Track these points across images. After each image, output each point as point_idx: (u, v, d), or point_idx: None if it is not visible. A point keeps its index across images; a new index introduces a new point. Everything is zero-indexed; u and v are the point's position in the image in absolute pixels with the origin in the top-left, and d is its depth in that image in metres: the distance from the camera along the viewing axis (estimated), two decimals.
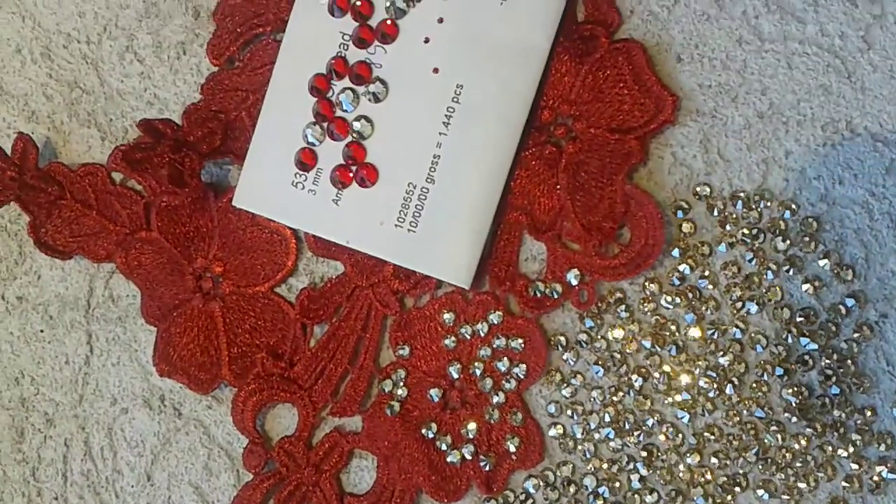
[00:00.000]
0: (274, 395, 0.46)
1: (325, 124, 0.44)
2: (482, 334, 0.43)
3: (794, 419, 0.40)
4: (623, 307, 0.41)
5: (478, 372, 0.43)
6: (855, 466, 0.40)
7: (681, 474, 0.40)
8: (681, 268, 0.40)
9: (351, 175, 0.44)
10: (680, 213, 0.41)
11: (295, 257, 0.47)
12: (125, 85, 0.51)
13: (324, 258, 0.47)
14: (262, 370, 0.46)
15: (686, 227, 0.41)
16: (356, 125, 0.44)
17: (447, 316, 0.44)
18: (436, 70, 0.42)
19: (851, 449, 0.39)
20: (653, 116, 0.41)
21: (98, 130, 0.51)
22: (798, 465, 0.40)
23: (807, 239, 0.40)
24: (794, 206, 0.40)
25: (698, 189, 0.41)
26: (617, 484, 0.41)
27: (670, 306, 0.41)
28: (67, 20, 0.52)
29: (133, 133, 0.51)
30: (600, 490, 0.41)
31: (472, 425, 0.43)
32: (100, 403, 0.50)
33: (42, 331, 0.52)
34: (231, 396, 0.48)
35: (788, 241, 0.40)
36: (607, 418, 0.41)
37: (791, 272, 0.40)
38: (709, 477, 0.40)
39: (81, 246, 0.50)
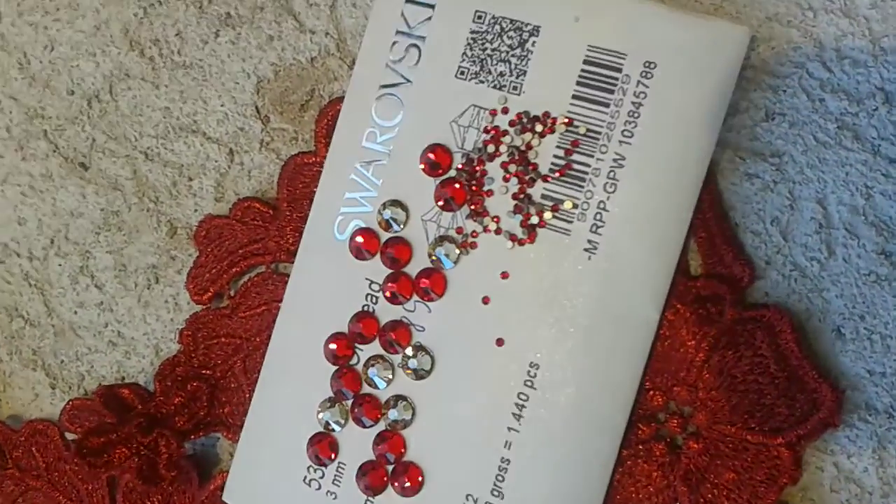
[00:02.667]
0: None
1: (347, 403, 0.34)
2: None
3: None
4: None
5: None
6: None
7: None
8: None
9: (385, 478, 0.33)
10: None
11: None
12: (79, 317, 0.40)
13: None
14: None
15: None
16: (392, 412, 0.33)
17: None
18: (500, 342, 0.32)
19: None
20: (807, 414, 0.31)
21: (47, 375, 0.41)
22: None
23: None
24: None
25: None
26: None
27: None
28: (3, 227, 0.42)
29: (91, 381, 0.40)
30: None
31: None
32: None
33: None
34: None
35: None
36: None
37: None
38: None
39: None
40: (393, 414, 0.34)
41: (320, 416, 0.35)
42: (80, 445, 0.37)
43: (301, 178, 0.38)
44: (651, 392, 0.33)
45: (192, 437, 0.38)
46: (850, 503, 0.33)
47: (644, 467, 0.33)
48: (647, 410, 0.33)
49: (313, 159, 0.38)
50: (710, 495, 0.32)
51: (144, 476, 0.37)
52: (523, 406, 0.33)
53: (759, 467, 0.32)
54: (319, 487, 0.35)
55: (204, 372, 0.38)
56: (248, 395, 0.38)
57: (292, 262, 0.37)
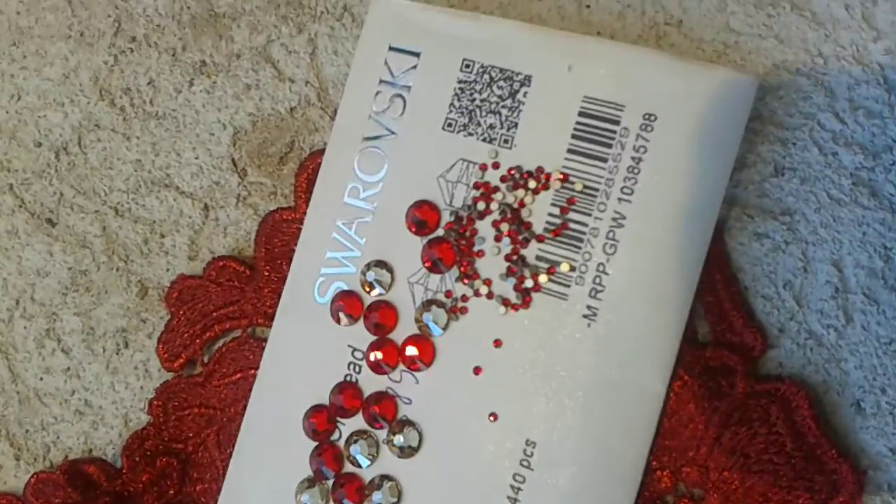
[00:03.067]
0: None
1: (328, 483, 0.31)
2: None
3: None
4: None
5: None
6: None
7: None
8: None
9: None
10: None
11: None
12: (45, 384, 0.38)
13: None
14: None
15: None
16: (376, 495, 0.30)
17: None
18: (493, 416, 0.30)
19: None
20: (826, 498, 0.29)
21: (11, 445, 0.39)
22: None
23: None
24: None
25: None
26: None
27: None
28: None
29: (57, 452, 0.37)
30: None
31: None
32: None
33: None
34: None
35: None
36: None
37: None
38: None
39: None
40: (377, 497, 0.32)
41: (299, 497, 0.33)
42: None
43: (280, 235, 0.36)
44: (658, 472, 0.31)
45: None
46: None
47: None
48: (653, 493, 0.31)
49: (293, 216, 0.36)
50: None
51: None
52: (519, 489, 0.31)
53: None
54: None
55: (175, 446, 0.36)
56: (221, 471, 0.35)
57: (270, 326, 0.35)
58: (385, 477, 0.32)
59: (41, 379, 0.40)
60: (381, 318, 0.33)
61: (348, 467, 0.33)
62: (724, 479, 0.30)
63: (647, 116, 0.30)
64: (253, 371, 0.35)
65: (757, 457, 0.30)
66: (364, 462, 0.33)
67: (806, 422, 0.29)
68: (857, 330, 0.30)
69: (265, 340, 0.35)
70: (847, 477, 0.29)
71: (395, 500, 0.32)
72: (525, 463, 0.31)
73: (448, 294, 0.32)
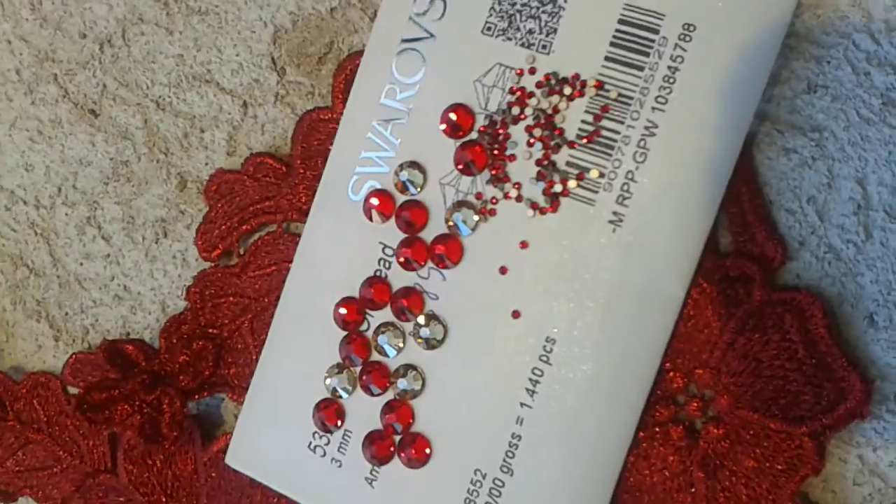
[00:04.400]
0: None
1: (355, 370, 0.32)
2: None
3: None
4: None
5: None
6: None
7: None
8: None
9: (392, 448, 0.31)
10: None
11: None
12: (85, 269, 0.39)
13: None
14: None
15: None
16: (401, 381, 0.31)
17: None
18: (516, 314, 0.30)
19: None
20: (833, 404, 0.29)
21: (50, 326, 0.39)
22: None
23: None
24: None
25: None
26: None
27: None
28: (10, 173, 0.40)
29: (96, 335, 0.38)
30: None
31: None
32: None
33: None
34: None
35: None
36: None
37: None
38: None
39: (29, 484, 0.38)
40: (402, 383, 0.33)
41: (328, 381, 0.34)
42: (82, 401, 0.35)
43: (316, 134, 0.36)
44: (671, 373, 0.31)
45: (196, 396, 0.37)
46: (873, 497, 0.31)
47: (660, 450, 0.32)
48: (666, 392, 0.31)
49: (330, 115, 0.36)
50: (727, 482, 0.31)
51: (146, 434, 0.35)
52: (537, 381, 0.31)
53: (781, 456, 0.30)
54: (324, 454, 0.34)
55: (210, 331, 0.37)
56: (254, 357, 0.36)
57: (304, 222, 0.35)
58: (410, 366, 0.33)
59: (81, 264, 0.41)
60: (412, 216, 0.33)
61: (375, 356, 0.33)
62: (735, 382, 0.30)
63: (686, 27, 0.30)
64: (287, 264, 0.36)
65: (768, 362, 0.30)
66: (391, 352, 0.33)
67: (819, 331, 0.29)
68: (876, 246, 0.30)
69: (299, 235, 0.36)
70: (855, 385, 0.29)
71: (418, 387, 0.33)
72: (544, 358, 0.31)
73: (478, 196, 0.32)
